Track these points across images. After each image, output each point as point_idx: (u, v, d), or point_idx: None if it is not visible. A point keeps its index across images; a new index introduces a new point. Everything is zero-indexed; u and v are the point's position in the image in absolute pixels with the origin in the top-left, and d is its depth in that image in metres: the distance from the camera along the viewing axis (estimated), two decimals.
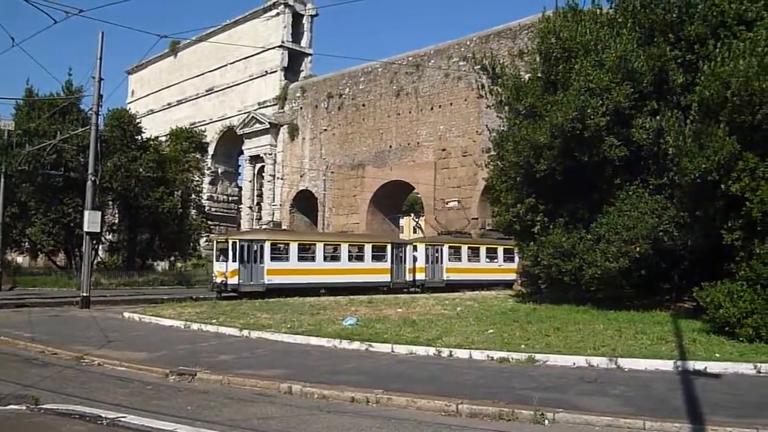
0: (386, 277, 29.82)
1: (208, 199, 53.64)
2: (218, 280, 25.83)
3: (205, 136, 47.57)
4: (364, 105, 45.47)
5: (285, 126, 51.43)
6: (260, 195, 54.98)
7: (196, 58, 60.37)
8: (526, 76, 20.23)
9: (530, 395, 7.91)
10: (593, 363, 10.30)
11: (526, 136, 17.46)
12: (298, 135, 50.53)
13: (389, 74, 44.00)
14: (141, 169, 35.17)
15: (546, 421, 7.13)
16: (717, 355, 10.47)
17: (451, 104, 40.14)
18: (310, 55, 54.52)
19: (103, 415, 7.09)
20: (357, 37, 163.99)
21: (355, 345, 12.30)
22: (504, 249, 33.28)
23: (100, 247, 39.16)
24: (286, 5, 52.60)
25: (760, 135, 12.70)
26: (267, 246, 26.56)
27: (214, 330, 15.19)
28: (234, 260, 25.65)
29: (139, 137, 37.97)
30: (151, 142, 38.66)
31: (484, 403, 7.64)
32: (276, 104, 52.26)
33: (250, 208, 55.34)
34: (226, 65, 57.04)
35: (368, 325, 14.75)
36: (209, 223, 46.13)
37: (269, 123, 51.85)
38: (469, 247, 33.48)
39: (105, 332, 14.43)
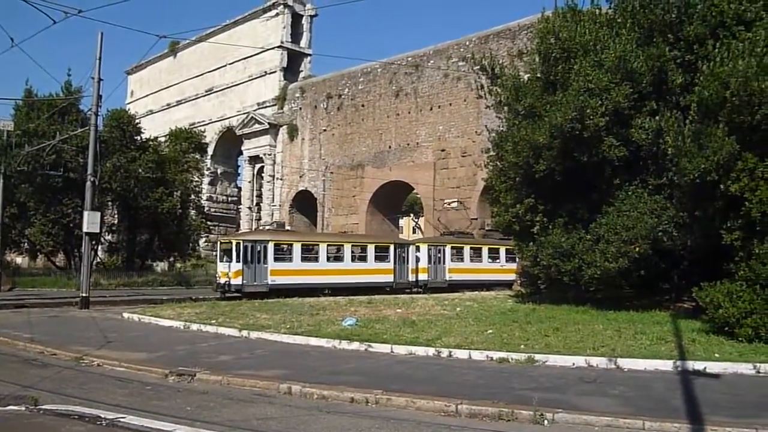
0: (389, 278, 29.87)
1: (207, 200, 53.62)
2: (222, 280, 25.87)
3: (205, 136, 47.59)
4: (363, 105, 45.48)
5: (284, 126, 51.43)
6: (259, 195, 54.98)
7: (196, 59, 60.37)
8: (526, 77, 20.25)
9: (530, 395, 7.91)
10: (593, 363, 10.31)
11: (526, 136, 17.47)
12: (297, 135, 50.53)
13: (388, 75, 44.01)
14: (140, 170, 35.16)
15: (545, 422, 7.13)
16: (716, 355, 10.47)
17: (450, 104, 40.15)
18: (310, 55, 54.54)
19: (103, 416, 7.08)
20: (356, 37, 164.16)
21: (355, 345, 12.30)
22: (506, 249, 33.30)
23: (100, 247, 39.15)
24: (286, 5, 52.61)
25: (759, 135, 12.71)
26: (270, 246, 26.61)
27: (213, 330, 15.18)
28: (238, 261, 25.71)
29: (139, 138, 37.96)
30: (151, 143, 38.65)
31: (483, 403, 7.64)
32: (275, 105, 52.27)
33: (250, 208, 55.33)
34: (225, 65, 57.05)
35: (368, 326, 14.74)
36: (208, 223, 46.12)
37: (268, 123, 51.86)
38: (471, 248, 33.53)
39: (104, 333, 14.42)
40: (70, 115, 34.78)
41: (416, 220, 51.71)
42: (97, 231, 24.25)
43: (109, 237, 40.58)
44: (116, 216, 39.22)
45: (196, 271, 41.49)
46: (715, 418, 6.92)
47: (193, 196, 41.42)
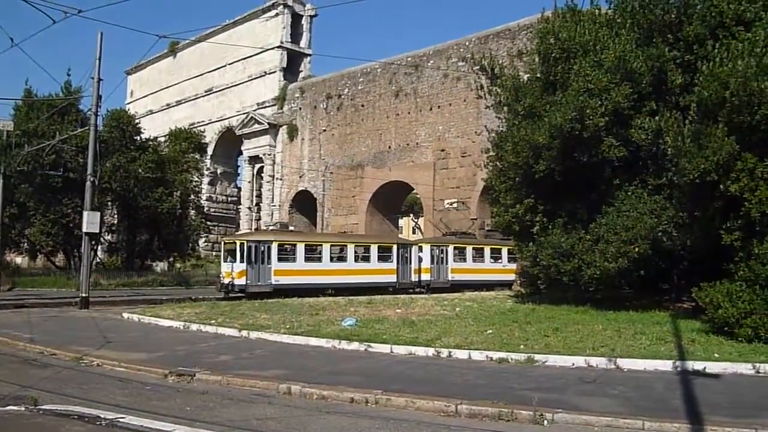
0: (392, 278, 29.92)
1: (207, 200, 53.63)
2: (226, 280, 25.92)
3: (204, 136, 47.53)
4: (363, 105, 45.49)
5: (284, 126, 51.44)
6: (259, 195, 54.99)
7: (195, 59, 60.39)
8: (525, 77, 20.25)
9: (529, 396, 7.92)
10: (592, 363, 10.31)
11: (525, 136, 17.47)
12: (297, 135, 50.54)
13: (388, 75, 44.02)
14: (140, 170, 35.14)
15: (545, 422, 7.13)
16: (716, 355, 10.47)
17: (450, 105, 40.17)
18: (309, 55, 54.56)
19: (102, 416, 7.08)
20: (356, 37, 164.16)
21: (354, 345, 12.29)
22: (508, 250, 33.33)
23: (99, 247, 39.14)
24: (285, 6, 52.64)
25: (758, 135, 12.71)
26: (274, 247, 26.68)
27: (213, 331, 15.18)
28: (242, 261, 25.77)
29: (138, 138, 37.94)
30: (150, 143, 38.63)
31: (483, 403, 7.64)
32: (275, 105, 52.28)
33: (249, 208, 55.35)
34: (225, 66, 57.08)
35: (367, 326, 14.74)
36: (208, 223, 46.10)
37: (268, 123, 51.87)
38: (473, 248, 33.59)
39: (104, 333, 14.41)
40: (70, 115, 34.75)
41: (416, 220, 51.71)
42: (97, 231, 24.25)
43: (108, 237, 40.56)
44: (116, 216, 39.20)
45: (196, 271, 41.48)
46: (715, 418, 6.92)
47: (192, 196, 41.40)
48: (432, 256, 31.48)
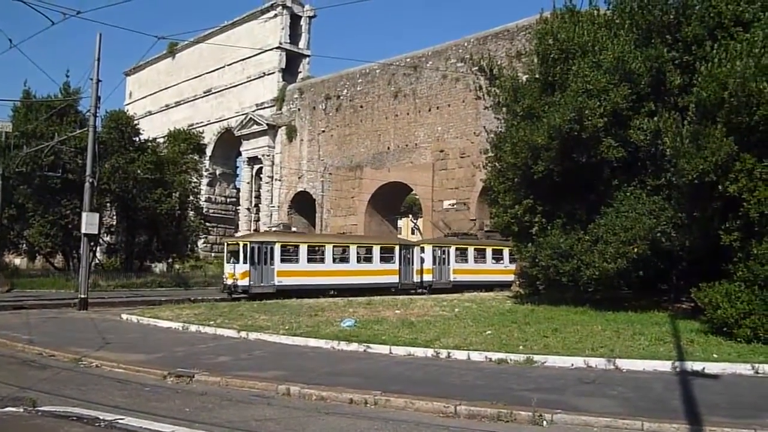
0: (395, 278, 29.98)
1: (206, 201, 53.58)
2: (229, 281, 26.00)
3: (203, 137, 47.57)
4: (362, 106, 45.50)
5: (283, 127, 51.43)
6: (258, 196, 54.95)
7: (194, 60, 60.36)
8: (524, 78, 20.25)
9: (528, 396, 7.91)
10: (591, 364, 10.31)
11: (524, 137, 17.48)
12: (296, 136, 50.53)
13: (387, 76, 44.03)
14: (139, 171, 35.14)
15: (544, 422, 7.13)
16: (715, 355, 10.48)
17: (449, 106, 40.18)
18: (308, 56, 54.55)
19: (101, 417, 7.07)
20: (355, 38, 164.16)
21: (354, 346, 12.29)
22: (509, 250, 33.36)
23: (98, 248, 39.09)
24: (284, 7, 52.63)
25: (757, 136, 12.73)
26: (277, 248, 26.74)
27: (212, 332, 15.17)
28: (245, 262, 25.85)
29: (137, 139, 37.97)
30: (149, 144, 38.65)
31: (482, 404, 7.64)
32: (274, 106, 52.27)
33: (248, 209, 55.32)
34: (223, 67, 57.05)
35: (366, 327, 14.73)
36: (207, 224, 46.08)
37: (267, 124, 51.86)
38: (475, 249, 33.67)
39: (103, 334, 14.39)
40: (69, 116, 34.77)
41: (415, 221, 51.68)
42: (96, 232, 24.24)
43: (107, 238, 40.54)
44: (115, 217, 39.19)
45: (195, 272, 41.49)
46: (714, 419, 6.93)
47: (191, 197, 41.41)
48: (434, 257, 31.56)
